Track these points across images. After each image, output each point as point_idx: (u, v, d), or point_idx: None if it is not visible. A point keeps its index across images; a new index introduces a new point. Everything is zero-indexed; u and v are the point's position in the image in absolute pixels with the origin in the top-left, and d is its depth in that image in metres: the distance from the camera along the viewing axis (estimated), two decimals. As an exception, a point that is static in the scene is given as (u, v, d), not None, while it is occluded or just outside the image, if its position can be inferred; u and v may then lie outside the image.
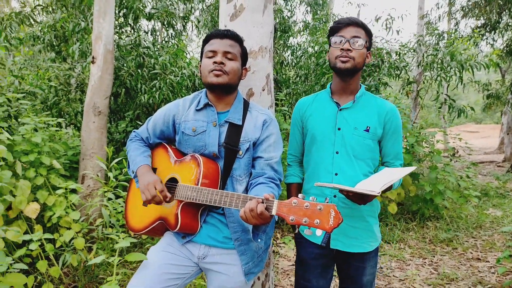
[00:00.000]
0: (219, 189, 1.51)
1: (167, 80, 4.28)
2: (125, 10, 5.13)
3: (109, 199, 3.42)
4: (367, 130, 1.62)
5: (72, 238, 3.18)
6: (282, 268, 3.62)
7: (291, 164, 1.84)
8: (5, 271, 2.20)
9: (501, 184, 7.22)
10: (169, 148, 1.65)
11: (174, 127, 1.64)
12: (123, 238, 1.65)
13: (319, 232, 1.14)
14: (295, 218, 1.17)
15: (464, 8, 8.52)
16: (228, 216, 1.52)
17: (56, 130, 4.08)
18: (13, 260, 2.30)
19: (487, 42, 8.57)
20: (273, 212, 1.22)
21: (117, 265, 1.65)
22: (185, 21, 5.63)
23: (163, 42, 5.90)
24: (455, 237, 4.32)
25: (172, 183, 1.56)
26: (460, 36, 7.98)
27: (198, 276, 1.64)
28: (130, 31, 5.65)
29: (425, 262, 3.70)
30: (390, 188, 1.57)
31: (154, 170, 1.64)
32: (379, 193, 1.28)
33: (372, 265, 1.67)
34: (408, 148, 4.79)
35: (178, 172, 1.54)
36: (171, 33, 5.99)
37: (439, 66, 5.26)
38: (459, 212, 5.02)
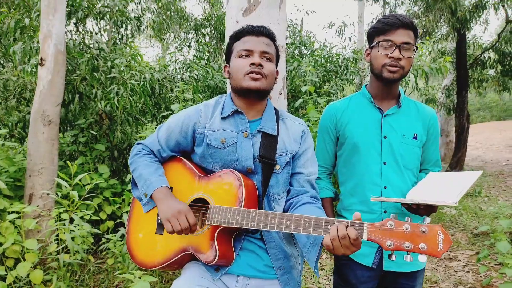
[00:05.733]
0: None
1: (128, 85, 3.88)
2: (71, 7, 4.62)
3: (72, 220, 2.97)
4: (415, 138, 1.50)
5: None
6: None
7: (321, 177, 1.64)
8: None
9: (446, 183, 7.71)
10: (188, 163, 1.39)
11: (193, 137, 1.38)
12: (139, 277, 1.33)
13: (423, 258, 0.97)
14: (393, 243, 0.99)
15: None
16: (268, 241, 1.30)
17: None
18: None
19: (427, 50, 9.24)
20: (364, 237, 1.03)
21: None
22: (139, 22, 5.22)
23: (115, 44, 5.43)
24: (424, 237, 4.45)
25: (197, 204, 1.30)
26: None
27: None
28: (76, 32, 5.12)
29: (403, 266, 3.73)
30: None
31: (170, 189, 1.36)
32: (456, 203, 1.14)
33: (421, 282, 1.55)
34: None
35: (207, 191, 1.28)
36: (123, 35, 5.54)
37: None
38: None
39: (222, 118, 1.36)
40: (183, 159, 1.42)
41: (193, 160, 1.42)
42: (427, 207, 1.31)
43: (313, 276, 3.38)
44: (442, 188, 1.28)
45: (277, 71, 1.42)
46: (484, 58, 10.30)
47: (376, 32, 1.48)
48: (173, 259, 1.28)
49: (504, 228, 3.00)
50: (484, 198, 6.63)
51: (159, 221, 1.35)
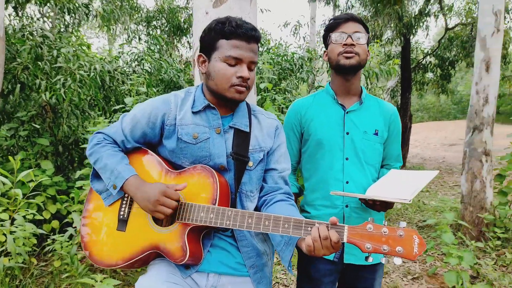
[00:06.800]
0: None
1: (77, 76, 3.63)
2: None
3: (13, 220, 2.72)
4: (376, 134, 1.53)
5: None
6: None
7: None
8: None
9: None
10: (155, 156, 1.30)
11: (162, 129, 1.30)
12: (100, 281, 1.22)
13: (398, 261, 0.99)
14: (372, 246, 1.00)
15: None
16: (239, 239, 1.26)
17: None
18: None
19: (376, 53, 9.70)
20: (344, 239, 1.03)
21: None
22: (88, 9, 4.91)
23: (59, 32, 5.07)
24: (374, 231, 4.65)
25: None
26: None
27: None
28: (15, 16, 4.72)
29: (356, 259, 3.87)
30: None
31: None
32: (410, 200, 1.19)
33: (380, 274, 1.60)
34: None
35: None
36: (68, 23, 5.18)
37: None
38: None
39: (194, 113, 1.29)
40: (150, 151, 1.33)
41: (160, 153, 1.34)
42: (383, 203, 1.36)
43: (278, 271, 3.40)
44: (399, 185, 1.32)
45: None
46: (426, 62, 11.01)
47: (329, 29, 1.53)
48: (137, 258, 1.20)
49: (448, 221, 3.21)
50: (425, 193, 7.08)
51: (121, 216, 1.26)
